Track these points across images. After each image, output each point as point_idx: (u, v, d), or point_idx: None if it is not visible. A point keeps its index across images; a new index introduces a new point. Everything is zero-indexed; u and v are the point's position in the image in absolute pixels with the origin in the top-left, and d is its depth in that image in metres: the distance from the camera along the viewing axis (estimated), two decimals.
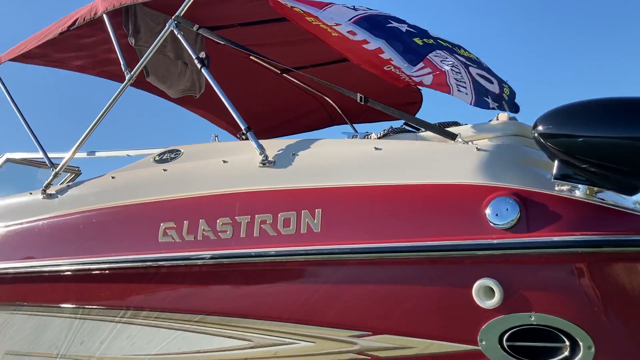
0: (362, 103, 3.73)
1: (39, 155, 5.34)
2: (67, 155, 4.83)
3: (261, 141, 3.89)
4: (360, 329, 3.23)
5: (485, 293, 2.86)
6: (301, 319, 3.36)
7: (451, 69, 3.69)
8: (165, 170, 4.17)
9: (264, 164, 3.72)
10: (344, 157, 3.62)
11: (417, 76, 3.67)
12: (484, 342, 2.90)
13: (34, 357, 4.71)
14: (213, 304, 3.65)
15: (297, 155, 3.72)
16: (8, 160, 5.90)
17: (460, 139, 3.33)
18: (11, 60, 5.78)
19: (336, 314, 3.32)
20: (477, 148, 3.14)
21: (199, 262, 3.55)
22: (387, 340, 3.18)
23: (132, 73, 4.63)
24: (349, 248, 3.17)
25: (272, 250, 3.35)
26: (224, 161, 3.93)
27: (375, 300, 3.21)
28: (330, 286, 3.36)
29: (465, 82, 3.66)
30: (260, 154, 3.75)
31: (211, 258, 3.51)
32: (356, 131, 6.98)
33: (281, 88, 6.93)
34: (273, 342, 3.43)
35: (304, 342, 3.36)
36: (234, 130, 7.27)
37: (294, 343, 3.39)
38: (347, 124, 7.33)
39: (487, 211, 2.86)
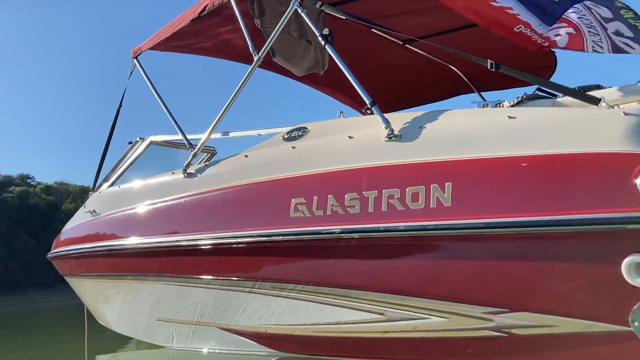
0: (493, 69, 3.54)
1: (179, 137, 5.72)
2: (203, 137, 5.12)
3: (386, 115, 3.84)
4: (496, 305, 3.12)
5: (637, 270, 2.63)
6: (434, 294, 3.31)
7: (588, 29, 3.38)
8: (293, 147, 4.28)
9: (390, 138, 3.67)
10: (475, 128, 3.47)
11: (551, 37, 3.41)
12: (636, 323, 2.68)
13: (180, 324, 5.14)
14: (343, 278, 3.72)
15: (424, 127, 3.63)
16: (152, 143, 6.39)
17: (604, 103, 3.04)
18: (150, 49, 6.23)
19: (470, 290, 3.23)
20: (624, 112, 2.86)
21: (329, 236, 3.62)
22: (527, 318, 3.04)
23: (260, 54, 4.77)
24: (483, 223, 3.05)
25: (401, 225, 3.32)
26: (350, 137, 3.94)
27: (513, 276, 3.08)
28: (463, 262, 3.27)
29: (602, 41, 3.35)
30: (386, 127, 3.71)
31: (341, 232, 3.56)
32: (485, 100, 6.68)
33: (404, 59, 6.80)
34: (406, 317, 3.43)
35: (437, 318, 3.32)
36: (358, 106, 7.28)
37: (427, 318, 3.36)
38: (475, 92, 7.05)
39: (638, 181, 2.62)
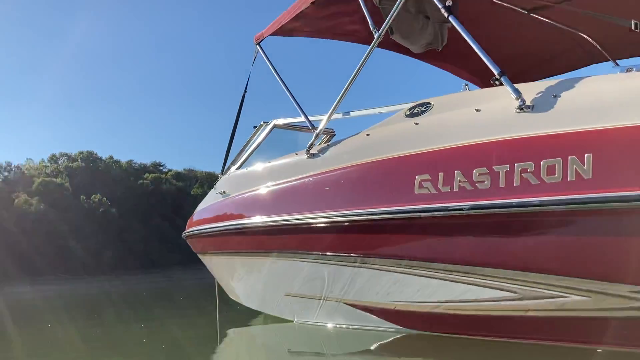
0: (638, 30, 3.24)
1: (301, 119, 5.86)
2: (325, 117, 5.21)
3: (516, 85, 3.67)
4: None
5: None
6: (574, 272, 3.13)
7: None
8: (416, 123, 4.23)
9: (521, 109, 3.50)
10: (617, 95, 3.21)
11: None
12: None
13: (307, 299, 5.31)
14: (474, 255, 3.63)
15: (559, 96, 3.42)
16: (275, 126, 6.62)
17: None
18: (271, 35, 6.43)
19: (614, 267, 3.02)
20: None
21: (457, 213, 3.55)
22: None
23: (379, 32, 4.75)
24: (628, 196, 2.83)
25: (536, 199, 3.17)
26: (477, 109, 3.81)
27: None
28: (606, 238, 3.05)
29: None
30: (517, 98, 3.54)
31: (470, 209, 3.47)
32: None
33: (530, 29, 6.42)
34: (541, 295, 3.28)
35: (577, 296, 3.14)
36: (478, 80, 7.01)
37: (565, 297, 3.19)
38: (609, 60, 6.50)
39: None
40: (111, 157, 65.14)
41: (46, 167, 60.47)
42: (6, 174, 57.90)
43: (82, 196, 55.02)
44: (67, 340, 7.99)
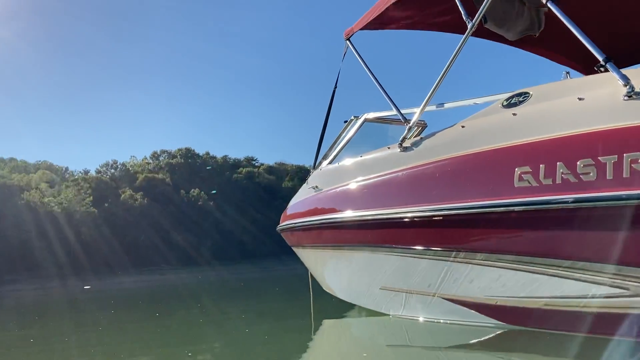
0: None
1: (391, 113, 5.84)
2: (418, 110, 5.16)
3: (623, 70, 3.46)
4: None
5: None
6: None
7: None
8: (514, 114, 4.09)
9: (630, 96, 3.29)
10: None
11: None
12: None
13: (402, 293, 5.31)
14: (576, 249, 3.47)
15: None
16: (366, 120, 6.63)
17: None
18: (361, 29, 6.44)
19: None
20: None
21: (561, 206, 3.41)
22: None
23: (473, 21, 4.63)
24: None
25: None
26: (580, 98, 3.63)
27: None
28: None
29: None
30: (625, 85, 3.33)
31: (574, 202, 3.32)
32: None
33: (636, 5, 5.99)
34: None
35: None
36: (580, 67, 6.65)
37: None
38: None
39: None
40: (207, 153, 68.16)
41: (148, 163, 64.31)
42: (113, 171, 62.23)
43: (181, 190, 58.00)
44: (174, 329, 8.49)
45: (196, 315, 10.49)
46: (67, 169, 66.05)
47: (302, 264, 8.47)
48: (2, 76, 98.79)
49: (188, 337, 7.08)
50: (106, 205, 52.73)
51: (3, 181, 49.81)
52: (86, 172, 61.72)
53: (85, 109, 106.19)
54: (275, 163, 71.92)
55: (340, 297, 7.06)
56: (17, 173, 55.06)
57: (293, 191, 8.56)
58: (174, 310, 11.87)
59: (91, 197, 52.53)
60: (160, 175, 59.74)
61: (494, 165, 4.01)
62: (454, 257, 4.36)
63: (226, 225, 57.23)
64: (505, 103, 4.26)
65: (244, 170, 66.22)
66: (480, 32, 5.72)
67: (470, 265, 4.22)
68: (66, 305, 18.85)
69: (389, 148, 5.45)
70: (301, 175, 51.31)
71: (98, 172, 61.24)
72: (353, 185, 5.79)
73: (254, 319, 8.48)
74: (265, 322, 7.96)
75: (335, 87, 7.26)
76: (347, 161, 6.32)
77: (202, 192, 58.68)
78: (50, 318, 13.05)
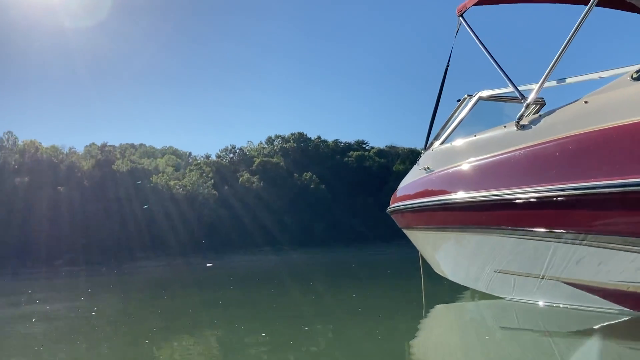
0: None
1: (507, 90, 5.60)
2: (535, 87, 4.91)
3: None
4: None
5: None
6: None
7: None
8: None
9: None
10: None
11: None
12: None
13: (519, 276, 5.13)
14: None
15: None
16: (480, 98, 6.42)
17: None
18: (475, 5, 6.21)
19: None
20: None
21: None
22: None
23: None
24: None
25: None
26: None
27: None
28: None
29: None
30: None
31: None
32: None
33: None
34: None
35: None
36: None
37: None
38: None
39: None
40: (319, 137, 69.43)
41: (264, 148, 66.83)
42: (231, 155, 65.38)
43: (295, 174, 59.68)
44: (287, 305, 8.84)
45: (308, 292, 10.83)
46: (190, 153, 70.48)
47: (412, 247, 8.42)
48: (130, 68, 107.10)
49: (301, 313, 7.34)
50: (226, 187, 55.63)
51: (134, 165, 54.17)
52: (207, 156, 65.46)
53: (206, 97, 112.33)
54: (386, 146, 71.68)
55: (453, 280, 6.96)
56: (146, 158, 59.61)
57: (404, 174, 8.50)
58: (287, 289, 12.34)
59: (212, 180, 55.65)
60: (274, 159, 61.89)
61: (622, 143, 3.74)
62: (578, 240, 4.13)
63: (337, 208, 58.13)
64: (635, 75, 3.94)
65: (354, 153, 66.70)
66: (605, 1, 5.32)
67: (599, 248, 3.97)
68: (191, 280, 20.23)
69: (505, 127, 5.24)
70: (412, 158, 50.59)
71: (218, 156, 64.70)
72: (466, 165, 5.66)
73: (365, 300, 8.60)
74: (376, 304, 8.05)
75: (448, 66, 7.08)
76: (460, 141, 6.16)
77: (315, 176, 59.95)
78: (178, 292, 14.09)
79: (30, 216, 45.18)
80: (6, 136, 56.17)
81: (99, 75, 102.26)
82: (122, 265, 41.01)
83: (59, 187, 48.55)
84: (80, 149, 58.78)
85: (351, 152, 67.26)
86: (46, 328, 7.31)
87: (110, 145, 61.88)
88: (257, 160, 61.10)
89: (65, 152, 56.34)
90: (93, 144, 60.10)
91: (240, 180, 57.43)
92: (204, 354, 5.09)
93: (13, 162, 50.71)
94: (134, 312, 9.24)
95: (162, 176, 53.80)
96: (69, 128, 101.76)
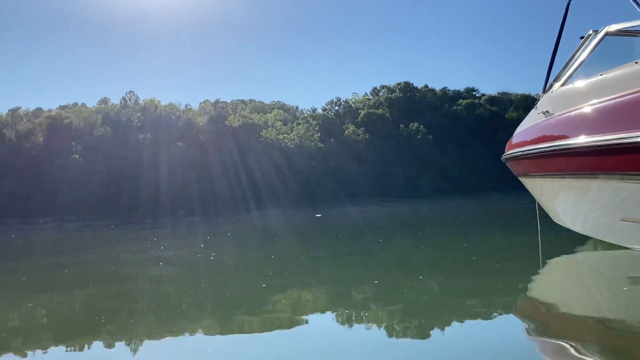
0: None
1: (639, 22, 5.08)
2: None
3: None
4: None
5: None
6: None
7: None
8: None
9: None
10: None
11: None
12: None
13: None
14: None
15: None
16: (607, 34, 5.87)
17: None
18: None
19: None
20: None
21: None
22: None
23: None
24: None
25: None
26: None
27: None
28: None
29: None
30: None
31: None
32: None
33: None
34: None
35: None
36: None
37: None
38: None
39: None
40: (426, 86, 67.55)
41: (369, 99, 66.30)
42: (337, 108, 65.60)
43: (401, 125, 58.88)
44: (399, 256, 8.89)
45: (417, 243, 10.81)
46: (297, 107, 71.75)
47: (527, 196, 8.08)
48: (238, 28, 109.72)
49: (411, 263, 7.35)
50: (332, 140, 56.21)
51: (245, 120, 56.18)
52: (314, 110, 66.21)
53: (311, 52, 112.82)
54: (498, 93, 68.19)
55: (573, 229, 6.62)
56: (256, 113, 61.51)
57: (517, 122, 8.09)
58: (396, 239, 12.38)
59: (319, 134, 56.44)
60: (380, 111, 61.28)
61: None
62: None
63: (445, 159, 56.81)
64: None
65: (463, 102, 64.29)
66: None
67: None
68: (301, 230, 20.91)
69: (636, 63, 4.77)
70: (527, 105, 47.93)
71: (324, 109, 65.18)
72: (590, 107, 5.25)
73: (476, 251, 8.43)
74: (489, 255, 7.87)
75: (570, 0, 6.54)
76: (584, 81, 5.72)
77: (421, 126, 58.78)
78: (289, 241, 14.63)
79: (154, 170, 48.66)
80: (128, 96, 60.47)
81: (211, 36, 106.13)
82: (236, 216, 43.30)
83: (178, 143, 51.66)
84: (195, 106, 61.91)
85: (460, 101, 64.88)
86: (172, 271, 7.93)
87: (222, 102, 64.60)
88: (363, 112, 60.85)
89: (181, 109, 59.60)
90: (207, 100, 63.03)
91: (345, 132, 57.69)
92: (315, 300, 5.27)
93: (136, 120, 54.51)
94: (250, 258, 9.75)
95: (272, 130, 55.39)
96: (184, 86, 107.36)
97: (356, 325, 4.09)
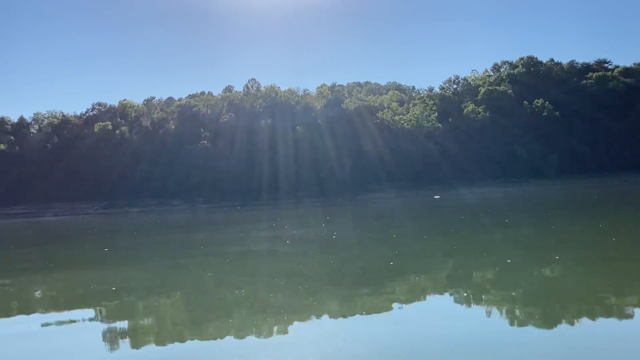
0: None
1: None
2: None
3: None
4: None
5: None
6: None
7: None
8: None
9: None
10: None
11: None
12: None
13: None
14: None
15: None
16: None
17: None
18: None
19: None
20: None
21: None
22: None
23: None
24: None
25: None
26: None
27: None
28: None
29: None
30: None
31: None
32: None
33: None
34: None
35: None
36: None
37: None
38: None
39: None
40: (551, 60, 63.33)
41: (489, 76, 63.50)
42: (455, 86, 63.66)
43: (524, 102, 55.87)
44: (526, 236, 8.64)
45: (546, 223, 10.40)
46: (413, 87, 70.58)
47: None
48: (356, 12, 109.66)
49: (541, 243, 7.16)
50: (450, 120, 54.77)
51: (361, 103, 56.43)
52: (430, 89, 64.71)
53: (426, 32, 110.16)
54: (634, 64, 62.20)
55: None
56: (372, 95, 61.45)
57: None
58: (522, 219, 12.00)
59: (436, 114, 55.25)
60: (501, 87, 58.50)
61: None
62: None
63: (574, 136, 53.08)
64: None
65: (594, 75, 59.38)
66: None
67: None
68: (419, 211, 20.81)
69: None
70: None
71: (441, 88, 63.45)
72: None
73: (615, 230, 8.00)
74: (630, 235, 7.44)
75: None
76: None
77: (547, 102, 55.34)
78: (409, 221, 14.68)
79: (274, 154, 50.61)
80: (250, 83, 63.29)
81: (326, 20, 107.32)
82: (355, 197, 43.92)
83: (297, 127, 53.20)
84: (312, 90, 63.20)
85: (590, 74, 60.01)
86: (298, 247, 8.38)
87: (339, 85, 65.28)
88: (483, 90, 58.49)
89: (300, 94, 61.16)
90: (324, 84, 64.04)
91: (464, 111, 55.88)
92: (438, 278, 5.36)
93: (257, 106, 56.87)
94: (371, 237, 10.00)
95: (387, 112, 55.14)
96: (302, 71, 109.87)
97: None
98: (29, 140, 60.17)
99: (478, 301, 4.69)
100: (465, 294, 4.93)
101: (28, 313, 6.04)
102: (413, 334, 4.10)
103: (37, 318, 5.61)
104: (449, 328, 4.19)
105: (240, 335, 4.59)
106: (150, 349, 4.53)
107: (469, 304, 4.68)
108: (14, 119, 62.90)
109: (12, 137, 59.27)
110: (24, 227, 27.63)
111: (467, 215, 15.20)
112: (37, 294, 6.86)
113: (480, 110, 55.54)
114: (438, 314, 4.61)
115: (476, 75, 64.11)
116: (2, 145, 58.03)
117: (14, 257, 11.48)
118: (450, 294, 4.97)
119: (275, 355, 3.99)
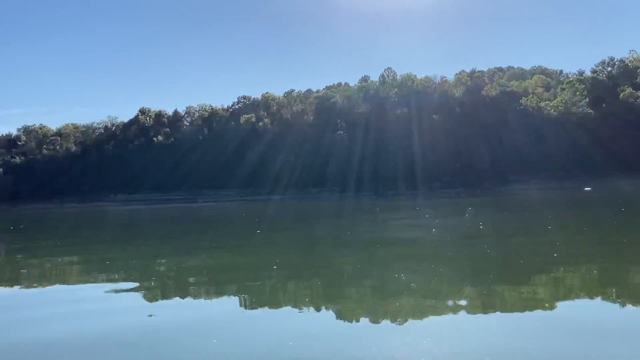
0: None
1: None
2: None
3: None
4: None
5: None
6: None
7: None
8: None
9: None
10: None
11: None
12: None
13: None
14: None
15: None
16: None
17: None
18: None
19: None
20: None
21: None
22: None
23: None
24: None
25: None
26: None
27: None
28: None
29: None
30: None
31: None
32: None
33: None
34: None
35: None
36: None
37: None
38: None
39: None
40: None
41: None
42: (609, 69, 58.26)
43: None
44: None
45: None
46: (561, 71, 65.96)
47: None
48: None
49: None
50: (603, 105, 50.39)
51: (502, 89, 53.89)
52: (581, 73, 59.97)
53: (574, 10, 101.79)
54: None
55: None
56: (515, 80, 58.40)
57: None
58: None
59: (586, 99, 51.18)
60: None
61: None
62: None
63: None
64: None
65: None
66: None
67: None
68: (569, 203, 19.58)
69: None
70: None
71: (593, 71, 58.43)
72: None
73: None
74: None
75: None
76: None
77: None
78: (555, 212, 13.93)
79: (410, 143, 50.19)
80: (386, 72, 63.18)
81: (464, 4, 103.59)
82: (495, 188, 42.25)
83: (434, 115, 52.22)
84: (450, 77, 61.60)
85: None
86: (442, 235, 8.38)
87: (479, 71, 62.90)
88: None
89: (437, 82, 59.91)
90: (462, 71, 62.10)
91: (621, 96, 50.98)
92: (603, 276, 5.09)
93: (393, 95, 56.69)
94: (522, 228, 9.67)
95: (532, 98, 52.12)
96: (440, 58, 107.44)
97: None
98: (182, 131, 65.69)
99: None
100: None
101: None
102: None
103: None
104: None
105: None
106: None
107: None
108: (169, 112, 69.09)
109: (167, 129, 65.10)
110: (183, 213, 30.37)
111: (630, 207, 14.06)
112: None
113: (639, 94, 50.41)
114: (604, 311, 4.43)
115: (635, 56, 58.07)
116: (160, 136, 63.94)
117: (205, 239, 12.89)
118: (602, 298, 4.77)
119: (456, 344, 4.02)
